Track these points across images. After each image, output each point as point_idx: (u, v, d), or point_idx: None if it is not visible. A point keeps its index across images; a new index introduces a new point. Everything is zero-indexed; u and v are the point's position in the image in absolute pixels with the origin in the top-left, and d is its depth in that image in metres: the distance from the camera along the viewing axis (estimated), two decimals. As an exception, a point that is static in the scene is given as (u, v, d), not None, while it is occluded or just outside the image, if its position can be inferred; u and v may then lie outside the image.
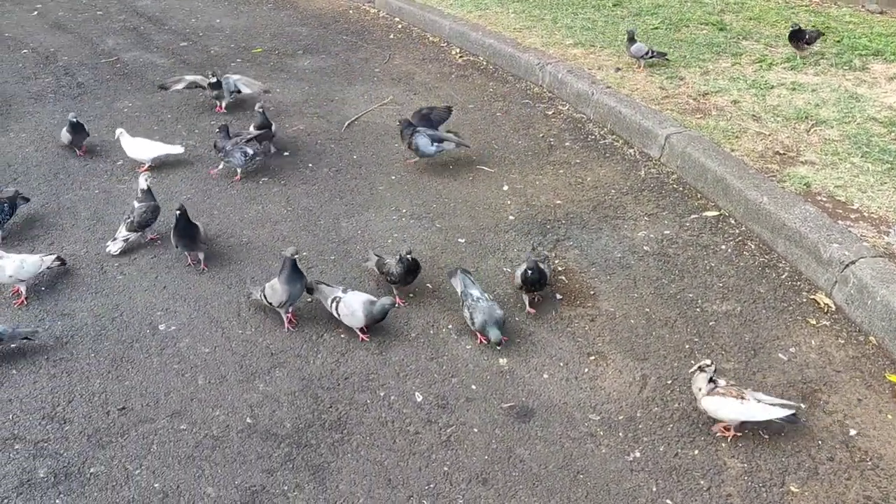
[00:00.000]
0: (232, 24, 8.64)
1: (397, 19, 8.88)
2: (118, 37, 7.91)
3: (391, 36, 8.29)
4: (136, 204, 4.57)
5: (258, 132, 5.42)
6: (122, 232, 4.56)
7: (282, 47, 7.80)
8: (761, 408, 3.37)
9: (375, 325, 3.97)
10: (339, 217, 5.04)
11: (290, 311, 4.04)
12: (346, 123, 6.26)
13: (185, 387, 3.65)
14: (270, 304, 3.97)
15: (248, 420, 3.50)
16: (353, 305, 3.92)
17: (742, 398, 3.38)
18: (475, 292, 4.01)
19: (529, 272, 4.05)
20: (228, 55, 7.58)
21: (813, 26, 7.13)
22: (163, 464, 3.25)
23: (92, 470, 3.21)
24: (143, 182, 4.59)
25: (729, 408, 3.38)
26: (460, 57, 7.74)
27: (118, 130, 5.46)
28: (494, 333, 3.84)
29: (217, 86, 6.23)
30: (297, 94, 6.72)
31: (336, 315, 3.96)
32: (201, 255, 4.44)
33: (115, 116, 6.20)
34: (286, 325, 4.01)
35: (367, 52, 7.78)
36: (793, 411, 3.39)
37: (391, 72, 7.34)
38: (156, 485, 3.16)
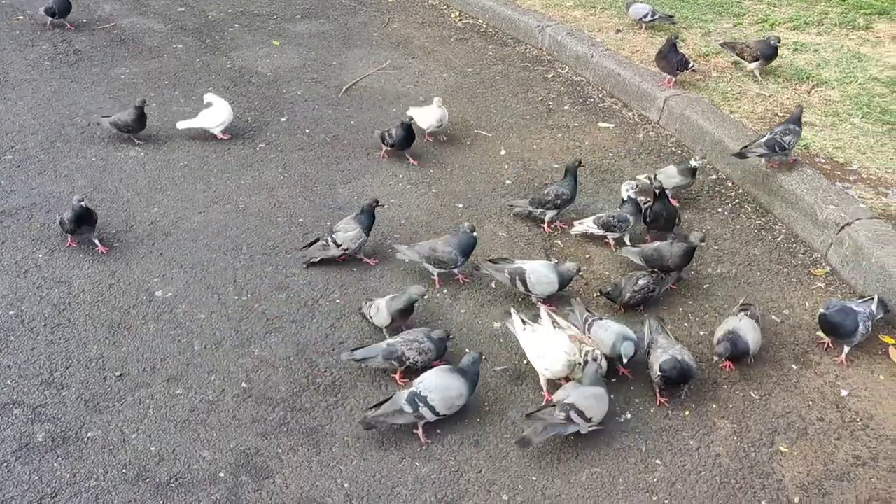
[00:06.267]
0: (229, -12, 8.53)
1: (396, -18, 8.75)
2: (115, 2, 7.83)
3: (390, -1, 8.19)
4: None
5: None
6: (589, 222, 4.43)
7: (280, 11, 7.72)
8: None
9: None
10: (336, 183, 5.04)
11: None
12: (344, 88, 6.22)
13: (182, 352, 3.69)
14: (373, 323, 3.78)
15: (244, 385, 3.54)
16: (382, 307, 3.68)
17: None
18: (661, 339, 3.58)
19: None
20: (226, 20, 7.51)
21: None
22: (159, 428, 3.30)
23: (89, 434, 3.26)
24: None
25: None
26: (460, 20, 7.64)
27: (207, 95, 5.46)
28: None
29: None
30: (294, 60, 6.67)
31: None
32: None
33: (111, 83, 6.17)
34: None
35: (365, 16, 7.69)
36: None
37: (390, 36, 7.26)
38: (152, 448, 3.21)
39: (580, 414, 3.19)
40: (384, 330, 3.76)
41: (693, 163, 4.61)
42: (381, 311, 3.72)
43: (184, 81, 6.27)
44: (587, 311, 3.77)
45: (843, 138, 4.98)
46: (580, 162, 4.56)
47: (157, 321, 3.86)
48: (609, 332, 3.55)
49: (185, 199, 4.82)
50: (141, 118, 5.25)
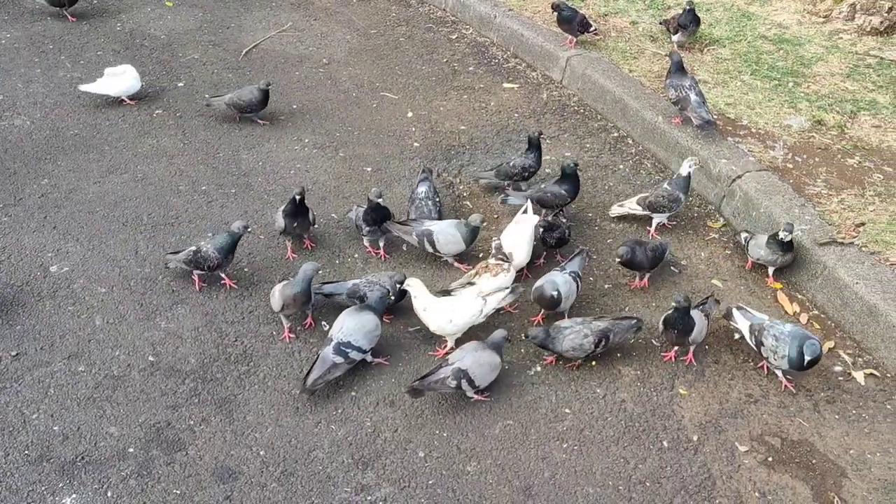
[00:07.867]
0: (116, -54, 8.08)
1: (295, -60, 8.48)
2: (-11, -39, 7.31)
3: (289, -42, 7.94)
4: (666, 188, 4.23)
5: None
6: (632, 203, 4.33)
7: (172, -29, 7.37)
8: None
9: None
10: (239, 149, 4.91)
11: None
12: (244, 51, 6.03)
13: (82, 328, 3.55)
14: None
15: (151, 358, 3.45)
16: None
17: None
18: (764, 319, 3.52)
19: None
20: (114, -20, 7.12)
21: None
22: (61, 407, 3.19)
23: (-14, 417, 3.12)
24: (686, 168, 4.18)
25: None
26: (361, -20, 7.49)
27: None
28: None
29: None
30: (190, 21, 6.40)
31: None
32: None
33: (-10, 48, 5.79)
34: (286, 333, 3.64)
35: (263, -24, 7.44)
36: None
37: (290, -4, 7.06)
38: (55, 427, 3.10)
39: (470, 382, 3.26)
40: (281, 315, 3.62)
41: (782, 235, 3.80)
42: (274, 296, 3.57)
43: (70, 45, 5.93)
44: (559, 264, 3.83)
45: (733, 95, 5.19)
46: (541, 133, 4.52)
47: (54, 297, 3.70)
48: (545, 279, 3.68)
49: (77, 169, 4.60)
50: (265, 100, 5.02)
